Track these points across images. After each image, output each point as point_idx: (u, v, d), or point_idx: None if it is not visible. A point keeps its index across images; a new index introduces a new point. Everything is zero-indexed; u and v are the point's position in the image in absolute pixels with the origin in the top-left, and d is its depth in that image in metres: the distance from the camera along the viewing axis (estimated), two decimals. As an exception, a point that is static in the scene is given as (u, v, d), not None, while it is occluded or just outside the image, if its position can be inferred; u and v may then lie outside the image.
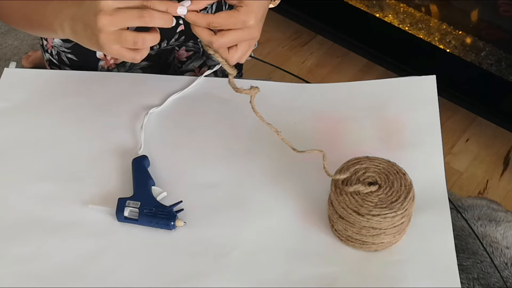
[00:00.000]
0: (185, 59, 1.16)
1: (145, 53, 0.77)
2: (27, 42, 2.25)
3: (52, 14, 0.81)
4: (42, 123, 0.98)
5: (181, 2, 0.75)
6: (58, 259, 0.82)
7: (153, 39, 0.75)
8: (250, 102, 0.79)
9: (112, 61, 1.09)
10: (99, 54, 1.08)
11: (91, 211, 0.86)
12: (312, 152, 0.82)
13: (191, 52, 1.15)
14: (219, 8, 1.11)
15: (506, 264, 1.10)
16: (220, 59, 0.79)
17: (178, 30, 1.08)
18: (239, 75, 1.18)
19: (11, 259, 0.82)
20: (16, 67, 1.07)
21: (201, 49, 1.15)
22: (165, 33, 1.07)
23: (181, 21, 1.06)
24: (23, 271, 0.81)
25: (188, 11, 0.75)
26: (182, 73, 1.14)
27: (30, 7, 0.85)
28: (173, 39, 1.09)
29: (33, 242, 0.84)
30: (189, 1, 0.75)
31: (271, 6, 0.87)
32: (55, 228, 0.85)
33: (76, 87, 1.03)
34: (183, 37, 1.10)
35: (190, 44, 1.14)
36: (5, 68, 1.05)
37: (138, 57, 0.76)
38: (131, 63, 1.11)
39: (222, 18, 0.75)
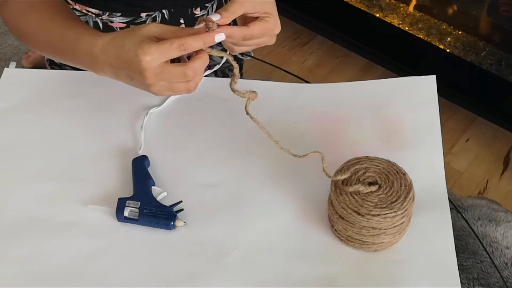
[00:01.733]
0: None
1: (198, 79, 0.77)
2: (27, 42, 2.25)
3: (87, 57, 0.80)
4: (42, 123, 0.98)
5: (210, 16, 0.76)
6: (58, 259, 0.82)
7: (201, 64, 0.75)
8: (246, 107, 0.79)
9: None
10: None
11: (91, 211, 0.86)
12: (312, 156, 0.82)
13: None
14: (219, 5, 1.11)
15: (506, 264, 1.10)
16: (232, 62, 0.79)
17: None
18: (240, 75, 1.18)
19: (11, 259, 0.82)
20: (16, 67, 1.07)
21: None
22: None
23: (181, 20, 1.06)
24: (23, 271, 0.81)
25: (218, 25, 0.76)
26: None
27: (58, 44, 0.85)
28: None
29: (33, 242, 0.84)
30: (218, 15, 0.76)
31: None
32: (55, 228, 0.85)
33: (76, 87, 1.03)
34: None
35: None
36: (5, 68, 1.05)
37: (192, 86, 0.77)
38: None
39: (256, 31, 0.78)
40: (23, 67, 2.07)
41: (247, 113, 0.78)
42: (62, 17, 0.86)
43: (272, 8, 0.79)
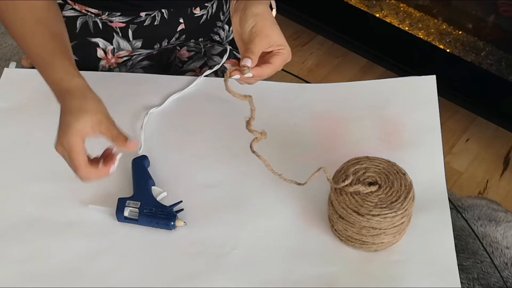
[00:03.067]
0: (186, 59, 1.16)
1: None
2: (27, 42, 2.25)
3: (55, 89, 0.83)
4: (42, 123, 0.97)
5: (244, 63, 0.79)
6: (58, 259, 0.82)
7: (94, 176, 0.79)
8: (251, 146, 0.80)
9: (113, 60, 1.09)
10: (100, 54, 1.08)
11: (91, 211, 0.86)
12: (315, 176, 0.80)
13: (192, 53, 1.15)
14: (219, 5, 1.11)
15: (506, 264, 1.10)
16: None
17: (178, 29, 1.07)
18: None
19: (11, 259, 0.82)
20: (16, 67, 1.07)
21: (203, 50, 1.15)
22: (166, 32, 1.07)
23: (181, 20, 1.06)
24: (23, 271, 0.81)
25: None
26: (183, 73, 1.14)
27: (34, 60, 0.86)
28: (173, 38, 1.09)
29: (33, 242, 0.84)
30: (250, 60, 0.80)
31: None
32: (55, 228, 0.85)
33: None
34: (183, 36, 1.10)
35: (191, 44, 1.14)
36: (5, 68, 1.05)
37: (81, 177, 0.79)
38: (132, 63, 1.11)
39: (278, 65, 0.83)
40: (23, 67, 2.07)
41: (253, 151, 0.79)
42: (43, 34, 0.85)
43: (281, 39, 0.83)
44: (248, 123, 0.78)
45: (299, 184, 0.81)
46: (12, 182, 0.90)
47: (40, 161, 0.92)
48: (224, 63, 1.09)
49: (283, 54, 0.83)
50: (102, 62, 1.09)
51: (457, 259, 0.81)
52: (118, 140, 0.77)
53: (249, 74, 0.79)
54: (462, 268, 1.04)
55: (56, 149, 0.77)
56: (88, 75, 1.04)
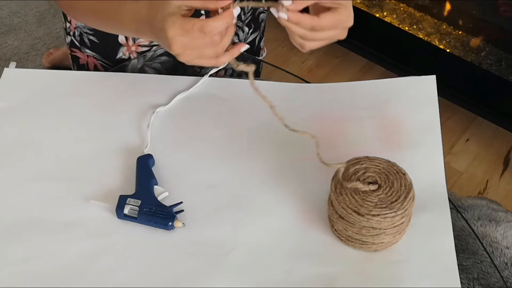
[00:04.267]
0: None
1: (225, 42, 0.74)
2: (27, 42, 2.25)
3: (132, 24, 0.82)
4: (42, 123, 0.98)
5: (281, 0, 0.73)
6: (58, 259, 0.82)
7: (222, 23, 0.72)
8: (249, 78, 0.78)
9: (133, 48, 1.08)
10: (120, 39, 1.07)
11: (92, 209, 0.86)
12: (304, 135, 0.79)
13: None
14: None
15: (506, 264, 1.10)
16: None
17: None
18: (257, 75, 1.18)
19: (11, 259, 0.82)
20: (16, 67, 1.07)
21: None
22: None
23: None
24: (23, 271, 0.81)
25: (288, 10, 0.73)
26: (201, 75, 1.14)
27: (104, 14, 0.86)
28: None
29: (33, 242, 0.84)
30: (290, 1, 0.73)
31: None
32: (55, 228, 0.85)
33: (77, 87, 1.03)
34: None
35: None
36: (5, 68, 1.05)
37: (219, 51, 0.75)
38: (152, 54, 1.11)
39: (326, 21, 0.74)
40: (22, 67, 2.07)
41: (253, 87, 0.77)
42: None
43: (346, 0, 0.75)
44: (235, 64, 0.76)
45: (286, 126, 0.79)
46: (12, 182, 0.90)
47: (40, 161, 0.92)
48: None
49: (338, 13, 0.75)
50: (123, 49, 1.08)
51: (457, 259, 0.81)
52: (212, 3, 0.72)
53: (284, 15, 0.73)
54: (462, 268, 1.04)
55: (174, 49, 0.73)
56: (98, 75, 1.05)
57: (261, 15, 1.18)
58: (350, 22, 0.77)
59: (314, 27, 0.75)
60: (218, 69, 1.08)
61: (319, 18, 0.74)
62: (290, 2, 0.73)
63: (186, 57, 0.75)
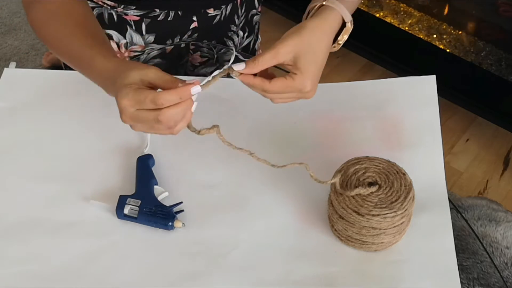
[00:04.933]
0: (198, 64, 1.17)
1: (179, 126, 0.73)
2: (27, 42, 2.25)
3: (99, 79, 0.81)
4: (42, 123, 0.98)
5: (233, 66, 0.73)
6: (58, 259, 0.82)
7: (175, 112, 0.70)
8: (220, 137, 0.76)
9: (126, 54, 1.09)
10: (113, 47, 1.07)
11: (92, 209, 0.86)
12: (294, 165, 0.78)
13: (205, 59, 1.16)
14: (234, 10, 1.11)
15: (506, 264, 1.10)
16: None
17: (191, 27, 1.08)
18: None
19: (11, 259, 0.82)
20: (16, 67, 1.07)
21: (215, 56, 1.15)
22: (179, 28, 1.07)
23: (194, 18, 1.06)
24: (23, 271, 0.81)
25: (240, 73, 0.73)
26: (196, 75, 1.15)
27: (76, 60, 0.85)
28: (186, 35, 1.09)
29: (33, 242, 0.84)
30: (243, 64, 0.73)
31: (332, 50, 0.84)
32: (55, 228, 0.85)
33: (77, 87, 1.03)
34: (196, 35, 1.10)
35: (205, 49, 1.14)
36: (5, 68, 1.05)
37: (171, 130, 0.73)
38: (145, 58, 1.11)
39: (276, 87, 0.74)
40: (22, 67, 2.07)
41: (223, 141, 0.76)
42: (82, 33, 0.85)
43: (305, 66, 0.74)
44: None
45: (273, 165, 0.77)
46: (12, 182, 0.90)
47: (40, 161, 0.92)
48: (229, 66, 1.09)
49: (291, 80, 0.74)
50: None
51: (457, 259, 0.81)
52: (174, 83, 0.70)
53: (237, 78, 0.74)
54: (462, 268, 1.04)
55: (124, 120, 0.72)
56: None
57: (255, 17, 1.18)
58: (307, 88, 0.76)
59: (265, 91, 0.75)
60: (221, 71, 1.08)
61: (270, 83, 0.74)
62: (243, 66, 0.73)
63: (137, 129, 0.74)
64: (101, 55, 0.80)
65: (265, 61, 0.73)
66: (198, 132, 0.75)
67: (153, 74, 0.72)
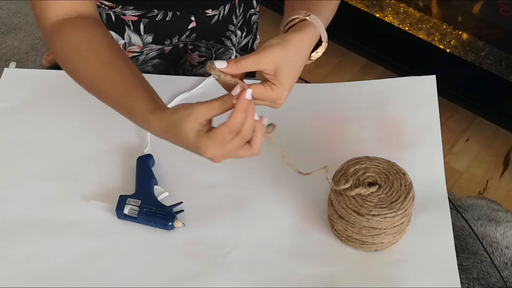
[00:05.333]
0: (196, 64, 1.17)
1: (256, 136, 0.73)
2: (27, 42, 2.25)
3: (142, 123, 0.78)
4: (42, 123, 0.98)
5: (215, 62, 0.72)
6: (58, 259, 0.82)
7: (240, 114, 0.71)
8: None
9: None
10: None
11: (92, 209, 0.86)
12: (318, 172, 0.78)
13: (203, 58, 1.16)
14: (232, 10, 1.11)
15: (506, 264, 1.10)
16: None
17: (189, 27, 1.08)
18: (252, 75, 1.18)
19: (11, 259, 0.82)
20: (16, 67, 1.07)
21: (214, 56, 1.15)
22: (177, 28, 1.07)
23: (192, 18, 1.06)
24: (23, 271, 0.81)
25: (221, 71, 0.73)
26: (195, 75, 1.15)
27: (111, 104, 0.82)
28: (184, 36, 1.09)
29: (33, 242, 0.84)
30: (225, 63, 0.73)
31: (312, 59, 0.85)
32: (55, 228, 0.85)
33: (77, 87, 1.02)
34: (194, 35, 1.10)
35: (203, 49, 1.14)
36: (5, 68, 1.05)
37: (255, 149, 0.74)
38: (144, 59, 1.11)
39: (256, 91, 0.74)
40: (23, 67, 2.07)
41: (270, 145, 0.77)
42: (111, 78, 0.80)
43: (285, 79, 0.75)
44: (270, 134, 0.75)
45: (300, 172, 0.78)
46: (12, 182, 0.90)
47: (40, 161, 0.92)
48: (211, 62, 1.08)
49: (269, 90, 0.75)
50: None
51: (457, 259, 0.81)
52: (225, 103, 0.71)
53: (215, 77, 0.74)
54: (462, 268, 1.04)
55: (218, 162, 0.72)
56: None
57: (253, 17, 1.19)
58: (281, 101, 0.77)
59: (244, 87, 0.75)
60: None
61: (249, 87, 0.73)
62: (225, 65, 0.72)
63: (222, 159, 0.74)
64: (141, 108, 0.77)
65: (247, 65, 0.73)
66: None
67: (203, 110, 0.71)
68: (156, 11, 1.04)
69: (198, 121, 0.71)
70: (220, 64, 0.73)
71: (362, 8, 2.05)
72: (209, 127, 0.72)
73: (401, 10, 2.06)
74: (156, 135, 0.77)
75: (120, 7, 1.03)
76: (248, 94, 0.71)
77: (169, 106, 0.98)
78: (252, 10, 1.17)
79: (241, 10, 1.13)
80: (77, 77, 0.84)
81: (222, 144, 0.71)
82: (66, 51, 0.83)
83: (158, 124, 0.75)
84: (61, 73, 1.07)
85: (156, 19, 1.05)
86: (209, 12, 1.07)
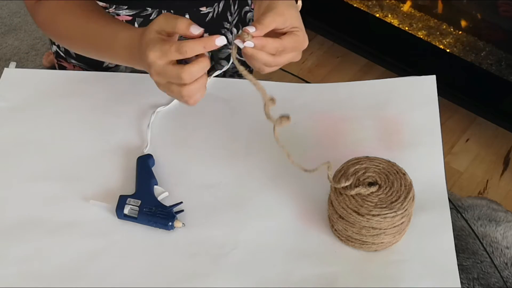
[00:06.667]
0: None
1: (195, 88, 0.76)
2: (27, 42, 2.25)
3: (125, 52, 0.83)
4: (42, 123, 0.98)
5: (246, 28, 0.75)
6: (58, 259, 0.82)
7: (198, 68, 0.74)
8: (274, 132, 0.78)
9: None
10: None
11: (92, 209, 0.86)
12: (322, 167, 0.79)
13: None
14: (227, 7, 1.11)
15: (506, 264, 1.10)
16: (259, 89, 0.78)
17: None
18: (250, 70, 1.18)
19: (11, 259, 0.82)
20: (16, 67, 1.07)
21: (210, 53, 1.15)
22: None
23: (187, 16, 1.06)
24: (23, 271, 0.81)
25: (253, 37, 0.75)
26: None
27: (95, 41, 0.88)
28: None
29: (33, 242, 0.84)
30: (254, 27, 0.75)
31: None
32: (55, 228, 0.85)
33: (77, 87, 1.03)
34: None
35: None
36: (5, 68, 1.05)
37: (185, 93, 0.75)
38: None
39: (288, 43, 0.77)
40: (23, 66, 2.07)
41: (276, 139, 0.78)
42: (96, 16, 0.89)
43: (299, 22, 0.79)
44: (265, 107, 0.77)
45: (305, 170, 0.80)
46: (12, 182, 0.90)
47: (40, 161, 0.92)
48: (231, 64, 1.08)
49: (297, 35, 0.78)
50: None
51: (457, 259, 0.81)
52: (185, 25, 0.73)
53: (250, 43, 0.74)
54: (462, 268, 1.04)
55: (152, 75, 0.75)
56: (98, 75, 1.05)
57: (248, 14, 1.18)
58: (306, 43, 0.80)
59: (278, 48, 0.77)
60: (219, 71, 1.08)
61: (281, 40, 0.76)
62: (254, 29, 0.75)
63: (161, 87, 0.77)
64: (123, 27, 0.83)
65: (268, 23, 0.76)
66: (275, 122, 0.78)
67: (167, 24, 0.74)
68: (150, 10, 1.04)
69: (157, 25, 0.74)
70: (251, 29, 0.75)
71: (362, 8, 2.05)
72: (165, 38, 0.75)
73: (401, 10, 2.06)
74: (126, 55, 0.82)
75: (114, 7, 1.03)
76: (219, 40, 0.74)
77: (168, 105, 0.99)
78: (247, 7, 1.17)
79: (235, 7, 1.13)
80: (65, 32, 0.90)
81: (165, 55, 0.73)
82: (49, 14, 0.91)
83: (129, 35, 0.81)
84: (61, 73, 1.08)
85: (150, 18, 1.05)
86: (203, 9, 1.07)
